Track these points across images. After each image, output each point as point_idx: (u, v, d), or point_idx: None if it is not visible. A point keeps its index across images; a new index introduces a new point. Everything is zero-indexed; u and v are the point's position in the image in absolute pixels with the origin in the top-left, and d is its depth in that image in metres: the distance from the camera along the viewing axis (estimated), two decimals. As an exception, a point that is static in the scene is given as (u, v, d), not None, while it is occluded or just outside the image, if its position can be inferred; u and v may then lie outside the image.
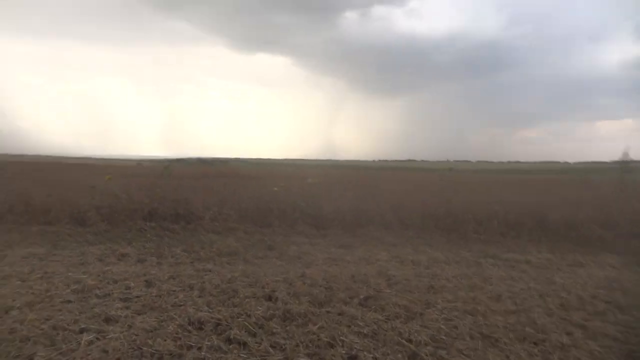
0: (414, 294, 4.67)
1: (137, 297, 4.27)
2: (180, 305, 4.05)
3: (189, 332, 3.51)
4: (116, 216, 8.32)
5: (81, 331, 3.43)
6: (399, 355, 3.28)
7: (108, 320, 3.66)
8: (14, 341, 3.21)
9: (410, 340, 3.50)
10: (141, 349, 3.17)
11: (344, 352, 3.29)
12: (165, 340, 3.29)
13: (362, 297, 4.49)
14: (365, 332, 3.64)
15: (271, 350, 3.28)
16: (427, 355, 3.28)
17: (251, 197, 10.53)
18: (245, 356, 3.18)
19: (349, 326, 3.74)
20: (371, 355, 3.25)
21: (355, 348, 3.34)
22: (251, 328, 3.61)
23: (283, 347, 3.33)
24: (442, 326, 3.79)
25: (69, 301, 4.08)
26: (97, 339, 3.30)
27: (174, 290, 4.50)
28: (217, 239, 7.38)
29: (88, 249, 6.40)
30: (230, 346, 3.31)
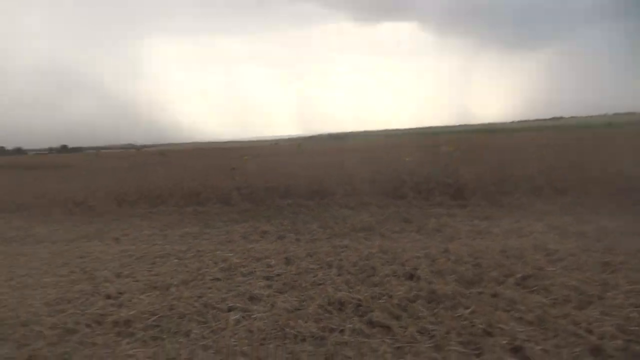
0: (585, 272, 3.90)
1: (278, 275, 4.31)
2: (320, 284, 3.97)
3: (330, 313, 3.38)
4: (255, 195, 8.80)
5: (229, 309, 3.54)
6: (577, 349, 2.70)
7: (252, 299, 3.74)
8: (172, 317, 3.45)
9: (590, 331, 2.87)
10: (284, 329, 3.13)
11: (505, 342, 2.82)
12: (306, 322, 3.21)
13: (519, 275, 3.89)
14: (528, 318, 3.10)
15: (418, 336, 2.97)
16: (616, 351, 2.65)
17: (383, 170, 10.22)
18: (390, 342, 2.93)
19: (508, 311, 3.23)
20: (540, 347, 2.73)
21: (519, 338, 2.84)
22: (394, 310, 3.34)
23: (432, 333, 2.99)
24: (632, 314, 3.05)
25: (218, 279, 4.30)
26: (243, 318, 3.37)
27: (313, 268, 4.46)
28: (350, 214, 7.26)
29: (233, 227, 6.81)
30: (374, 330, 3.09)
